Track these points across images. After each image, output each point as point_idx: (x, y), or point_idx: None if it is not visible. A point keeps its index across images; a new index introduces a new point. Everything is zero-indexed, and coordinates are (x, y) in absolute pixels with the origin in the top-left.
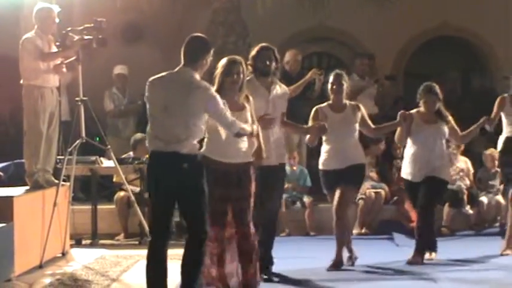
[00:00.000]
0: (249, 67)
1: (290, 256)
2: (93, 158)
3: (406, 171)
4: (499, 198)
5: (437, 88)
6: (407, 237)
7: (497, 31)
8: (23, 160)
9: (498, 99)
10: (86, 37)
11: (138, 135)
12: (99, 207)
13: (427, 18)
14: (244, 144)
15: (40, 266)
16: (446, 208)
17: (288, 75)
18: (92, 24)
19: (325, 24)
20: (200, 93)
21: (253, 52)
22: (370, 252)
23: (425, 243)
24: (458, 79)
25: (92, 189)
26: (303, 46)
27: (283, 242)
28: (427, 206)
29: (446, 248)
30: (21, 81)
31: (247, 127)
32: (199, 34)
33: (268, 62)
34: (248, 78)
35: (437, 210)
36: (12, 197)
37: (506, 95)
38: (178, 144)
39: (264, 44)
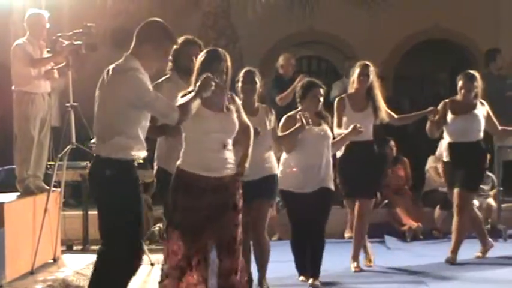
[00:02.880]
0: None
1: (280, 260)
2: (84, 163)
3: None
4: (490, 201)
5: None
6: (398, 240)
7: (486, 34)
8: (13, 166)
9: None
10: (75, 42)
11: None
12: (90, 212)
13: (417, 21)
14: (230, 153)
15: (31, 272)
16: (437, 211)
17: (281, 79)
18: (81, 30)
19: (315, 28)
20: (121, 78)
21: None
22: (362, 255)
23: None
24: (447, 81)
25: (83, 194)
26: (293, 50)
27: (273, 246)
28: None
29: (438, 251)
30: (13, 87)
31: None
32: (157, 19)
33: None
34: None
35: (429, 213)
36: (3, 203)
37: (447, 100)
38: (99, 145)
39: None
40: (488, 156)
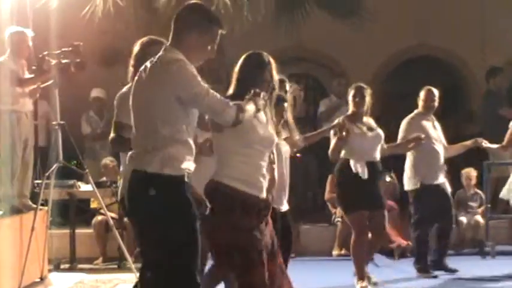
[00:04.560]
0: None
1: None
2: (71, 182)
3: None
4: (478, 218)
5: None
6: (387, 258)
7: (473, 51)
8: None
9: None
10: (63, 61)
11: (104, 160)
12: (77, 231)
13: (404, 38)
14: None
15: None
16: None
17: None
18: (70, 48)
19: (303, 45)
20: (164, 71)
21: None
22: (350, 273)
23: None
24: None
25: (70, 213)
26: (281, 68)
27: None
28: None
29: None
30: None
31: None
32: (195, 1)
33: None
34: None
35: None
36: None
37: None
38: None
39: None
40: (475, 173)
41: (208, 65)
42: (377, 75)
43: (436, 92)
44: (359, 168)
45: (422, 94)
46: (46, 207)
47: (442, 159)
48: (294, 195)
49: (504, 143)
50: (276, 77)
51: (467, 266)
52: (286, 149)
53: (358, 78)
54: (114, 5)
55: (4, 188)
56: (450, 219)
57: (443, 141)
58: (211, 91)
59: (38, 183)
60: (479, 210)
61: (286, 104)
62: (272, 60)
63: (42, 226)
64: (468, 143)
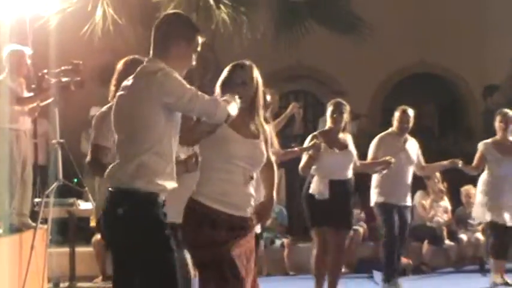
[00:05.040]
0: None
1: None
2: (71, 200)
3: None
4: (479, 235)
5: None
6: None
7: (472, 68)
8: None
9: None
10: (63, 79)
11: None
12: (77, 249)
13: (403, 55)
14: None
15: None
16: (425, 245)
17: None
18: (69, 67)
19: (302, 62)
20: (149, 80)
21: None
22: None
23: None
24: (435, 115)
25: (70, 231)
26: (280, 85)
27: (262, 282)
28: None
29: (427, 286)
30: None
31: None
32: (176, 11)
33: None
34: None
35: (417, 248)
36: None
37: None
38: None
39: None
40: (475, 191)
41: (210, 83)
42: (377, 92)
43: (411, 113)
44: (321, 187)
45: (396, 114)
46: (46, 226)
47: (408, 180)
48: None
49: (474, 164)
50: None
51: (467, 283)
52: None
53: (358, 96)
54: (113, 23)
55: (3, 206)
56: (402, 243)
57: (419, 160)
58: (200, 92)
59: (37, 202)
60: (479, 227)
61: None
62: (251, 67)
63: (42, 245)
64: (445, 163)
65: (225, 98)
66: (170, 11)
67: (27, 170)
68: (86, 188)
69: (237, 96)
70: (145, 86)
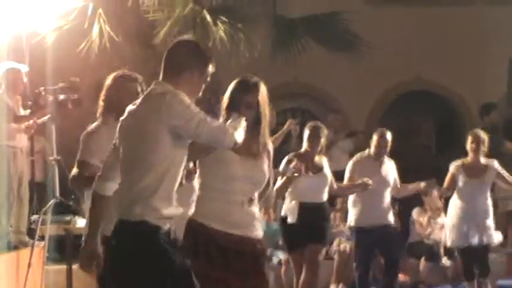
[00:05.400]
0: None
1: None
2: (68, 217)
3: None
4: None
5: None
6: None
7: (469, 86)
8: None
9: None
10: (60, 97)
11: None
12: (74, 267)
13: (401, 73)
14: (256, 210)
15: None
16: (422, 262)
17: None
18: (67, 84)
19: (299, 80)
20: (157, 102)
21: None
22: None
23: None
24: (432, 132)
25: (67, 249)
26: (277, 102)
27: None
28: None
29: None
30: None
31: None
32: (191, 39)
33: None
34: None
35: (414, 265)
36: None
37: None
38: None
39: None
40: None
41: (208, 100)
42: (374, 109)
43: (389, 137)
44: (289, 211)
45: (374, 138)
46: (43, 243)
47: (384, 203)
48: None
49: (445, 185)
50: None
51: None
52: None
53: (355, 113)
54: (110, 41)
55: (1, 224)
56: (392, 262)
57: (395, 182)
58: (208, 118)
59: (34, 219)
60: None
61: None
62: (257, 86)
63: (39, 262)
64: (421, 184)
65: (232, 122)
66: (185, 37)
67: (23, 186)
68: (83, 205)
69: (243, 119)
70: (154, 108)
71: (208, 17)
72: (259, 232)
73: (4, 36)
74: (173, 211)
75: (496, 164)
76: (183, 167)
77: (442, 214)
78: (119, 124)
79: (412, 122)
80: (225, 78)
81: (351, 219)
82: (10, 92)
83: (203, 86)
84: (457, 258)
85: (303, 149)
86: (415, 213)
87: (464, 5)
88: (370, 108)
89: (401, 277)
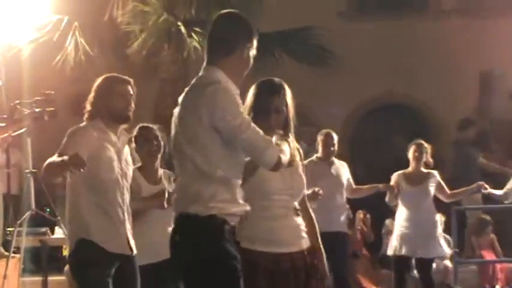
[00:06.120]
0: None
1: None
2: (44, 229)
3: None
4: (447, 262)
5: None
6: None
7: (441, 98)
8: None
9: None
10: (36, 109)
11: None
12: (49, 278)
13: (374, 85)
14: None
15: None
16: (394, 273)
17: None
18: (42, 97)
19: None
20: (199, 94)
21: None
22: None
23: None
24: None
25: (43, 260)
26: None
27: None
28: None
29: None
30: None
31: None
32: (231, 11)
33: None
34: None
35: (386, 276)
36: None
37: None
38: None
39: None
40: (443, 219)
41: None
42: (347, 122)
43: (335, 136)
44: None
45: (320, 138)
46: (18, 255)
47: (336, 205)
48: None
49: (389, 194)
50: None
51: None
52: None
53: (328, 126)
54: (85, 54)
55: None
56: (341, 268)
57: (350, 183)
58: (254, 125)
59: (10, 231)
60: (448, 254)
61: None
62: (285, 89)
63: (15, 274)
64: (380, 186)
65: (278, 143)
66: (225, 10)
67: None
68: (59, 218)
69: (288, 146)
70: (195, 101)
71: (182, 29)
72: (306, 240)
73: None
74: (239, 208)
75: (436, 174)
76: (240, 165)
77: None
78: (173, 119)
79: (384, 135)
80: None
81: None
82: None
83: (250, 63)
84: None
85: None
86: (387, 224)
87: (435, 20)
88: (343, 120)
89: (367, 284)
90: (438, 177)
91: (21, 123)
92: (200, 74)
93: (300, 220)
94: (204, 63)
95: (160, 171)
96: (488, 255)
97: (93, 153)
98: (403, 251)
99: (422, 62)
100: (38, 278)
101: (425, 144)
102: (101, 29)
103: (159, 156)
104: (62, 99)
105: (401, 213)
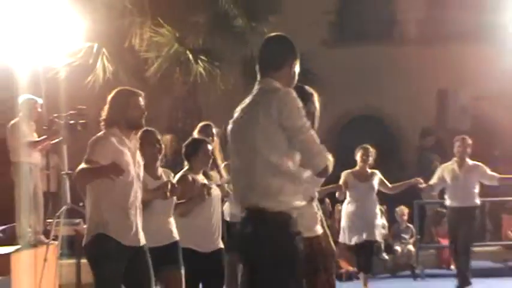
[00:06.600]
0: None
1: None
2: (77, 220)
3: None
4: (410, 247)
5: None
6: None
7: (405, 112)
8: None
9: None
10: (70, 121)
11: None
12: (82, 261)
13: (350, 101)
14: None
15: None
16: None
17: None
18: (75, 111)
19: None
20: (270, 97)
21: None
22: None
23: None
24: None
25: (76, 246)
26: None
27: None
28: None
29: None
30: (11, 158)
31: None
32: (280, 34)
33: None
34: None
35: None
36: (9, 254)
37: None
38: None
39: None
40: (407, 210)
41: (190, 126)
42: (330, 131)
43: None
44: (233, 209)
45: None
46: (56, 242)
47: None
48: None
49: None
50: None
51: (401, 286)
52: (217, 193)
53: None
54: (111, 75)
55: (23, 227)
56: None
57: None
58: (312, 131)
59: (50, 222)
60: (411, 240)
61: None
62: (316, 96)
63: (53, 257)
64: (334, 186)
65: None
66: (274, 33)
67: (38, 195)
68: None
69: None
70: (265, 102)
71: (190, 56)
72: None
73: (24, 72)
74: (300, 202)
75: (378, 173)
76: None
77: (383, 216)
78: (230, 126)
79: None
80: (204, 106)
81: None
82: (26, 119)
83: (296, 78)
84: (396, 252)
85: None
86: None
87: (400, 47)
88: (326, 130)
89: (349, 268)
90: (380, 175)
91: (58, 133)
92: (258, 85)
93: (316, 208)
94: (258, 77)
95: (160, 170)
96: (444, 241)
97: (115, 160)
98: (353, 242)
99: (391, 81)
100: (72, 261)
101: (371, 149)
102: (124, 55)
103: (160, 156)
104: (92, 113)
105: (350, 205)
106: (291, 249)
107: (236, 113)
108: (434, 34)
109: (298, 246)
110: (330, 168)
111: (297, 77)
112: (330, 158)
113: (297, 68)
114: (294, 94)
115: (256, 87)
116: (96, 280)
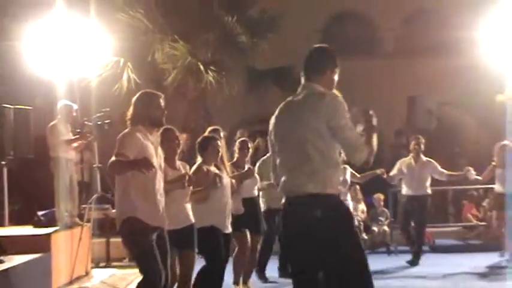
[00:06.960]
0: None
1: None
2: (106, 206)
3: None
4: (385, 228)
5: None
6: None
7: (381, 114)
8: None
9: None
10: (98, 122)
11: None
12: (111, 240)
13: None
14: None
15: (70, 282)
16: None
17: None
18: (101, 113)
19: (265, 110)
20: (318, 99)
21: None
22: None
23: None
24: None
25: (106, 227)
26: (249, 126)
27: None
28: None
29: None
30: (51, 154)
31: None
32: (322, 45)
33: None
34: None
35: None
36: (50, 233)
37: None
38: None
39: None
40: (383, 197)
41: (201, 126)
42: None
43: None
44: (235, 203)
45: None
46: (89, 224)
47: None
48: None
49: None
50: None
51: (377, 262)
52: (227, 181)
53: None
54: (135, 84)
55: (61, 211)
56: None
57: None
58: (355, 130)
59: (83, 207)
60: (386, 222)
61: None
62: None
63: (87, 237)
64: None
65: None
66: (317, 45)
67: (73, 185)
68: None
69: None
70: (314, 103)
71: (201, 67)
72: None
73: (62, 82)
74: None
75: (348, 167)
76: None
77: (362, 202)
78: (272, 129)
79: None
80: (212, 110)
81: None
82: (63, 121)
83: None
84: (374, 232)
85: (235, 159)
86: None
87: (378, 60)
88: None
89: None
90: (350, 169)
91: (87, 135)
92: (303, 89)
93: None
94: (303, 81)
95: (178, 162)
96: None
97: (141, 152)
98: None
99: (371, 90)
100: (103, 240)
101: None
102: (145, 67)
103: (178, 151)
104: (117, 115)
105: None
106: (353, 223)
107: (280, 110)
108: (405, 49)
109: (353, 227)
110: (371, 160)
111: (335, 82)
112: (368, 150)
113: (336, 75)
114: (340, 97)
115: (301, 90)
116: (136, 257)
